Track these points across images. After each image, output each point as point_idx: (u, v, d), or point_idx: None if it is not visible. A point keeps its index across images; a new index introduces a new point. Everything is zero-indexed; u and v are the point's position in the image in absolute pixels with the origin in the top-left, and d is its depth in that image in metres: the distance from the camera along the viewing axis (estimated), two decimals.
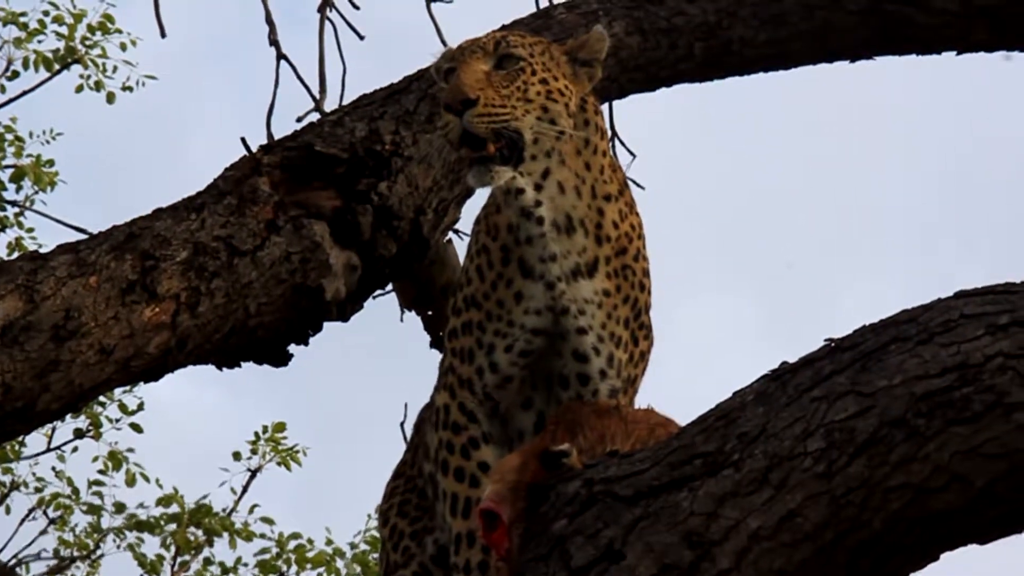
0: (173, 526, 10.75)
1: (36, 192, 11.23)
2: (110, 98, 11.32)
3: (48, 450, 11.05)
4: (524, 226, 4.14)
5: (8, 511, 11.06)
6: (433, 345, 5.22)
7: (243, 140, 4.97)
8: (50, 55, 11.29)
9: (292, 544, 11.05)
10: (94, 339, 4.53)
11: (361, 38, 6.02)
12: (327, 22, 5.97)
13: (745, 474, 3.52)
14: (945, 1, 5.41)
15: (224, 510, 10.99)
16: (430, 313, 5.26)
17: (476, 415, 4.22)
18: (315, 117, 5.32)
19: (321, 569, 11.09)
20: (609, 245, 4.20)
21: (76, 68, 11.33)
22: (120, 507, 10.93)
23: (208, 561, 11.00)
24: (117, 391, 10.18)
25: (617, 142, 5.97)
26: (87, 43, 11.31)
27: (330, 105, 5.34)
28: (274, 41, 5.84)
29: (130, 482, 10.94)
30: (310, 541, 11.09)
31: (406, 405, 5.24)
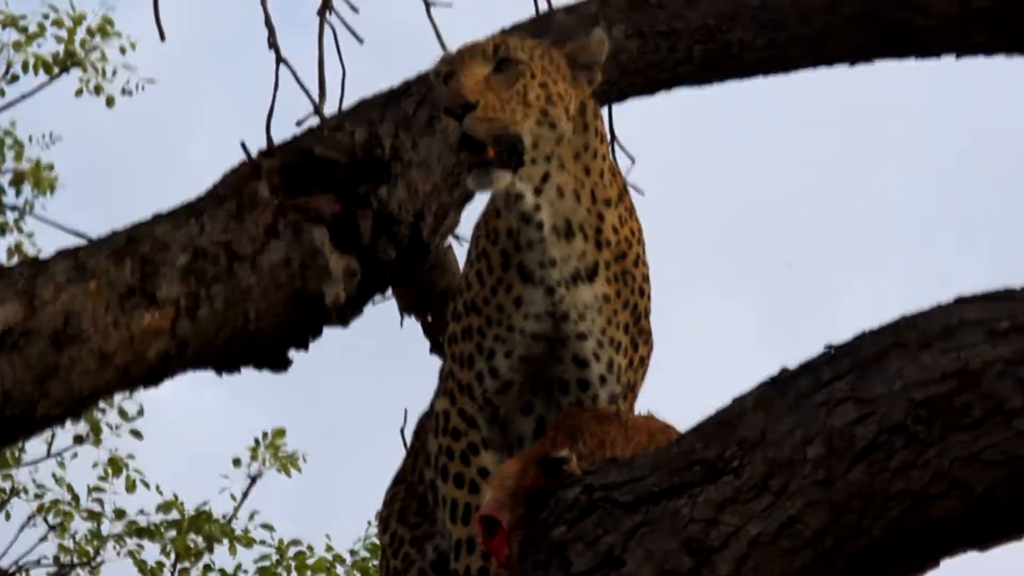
0: (173, 532, 10.75)
1: (36, 196, 11.24)
2: (110, 102, 11.34)
3: (48, 456, 11.06)
4: (524, 231, 4.13)
5: (8, 517, 11.06)
6: (433, 350, 5.22)
7: (243, 144, 4.97)
8: (49, 58, 11.30)
9: (292, 550, 11.04)
10: (94, 345, 4.53)
11: (361, 42, 6.00)
12: (326, 25, 5.95)
13: (745, 480, 3.52)
14: (944, 5, 5.41)
15: (224, 516, 10.99)
16: (430, 318, 5.25)
17: (476, 420, 4.21)
18: (315, 120, 5.31)
19: (321, 575, 11.08)
20: (609, 250, 4.19)
21: (75, 71, 11.35)
22: (120, 513, 10.93)
23: (208, 567, 10.99)
24: (117, 397, 10.18)
25: (616, 146, 5.97)
26: (87, 46, 11.32)
27: (329, 109, 5.32)
28: (273, 44, 5.82)
29: (130, 488, 10.95)
30: (310, 547, 11.09)
31: (406, 411, 5.24)
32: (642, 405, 4.30)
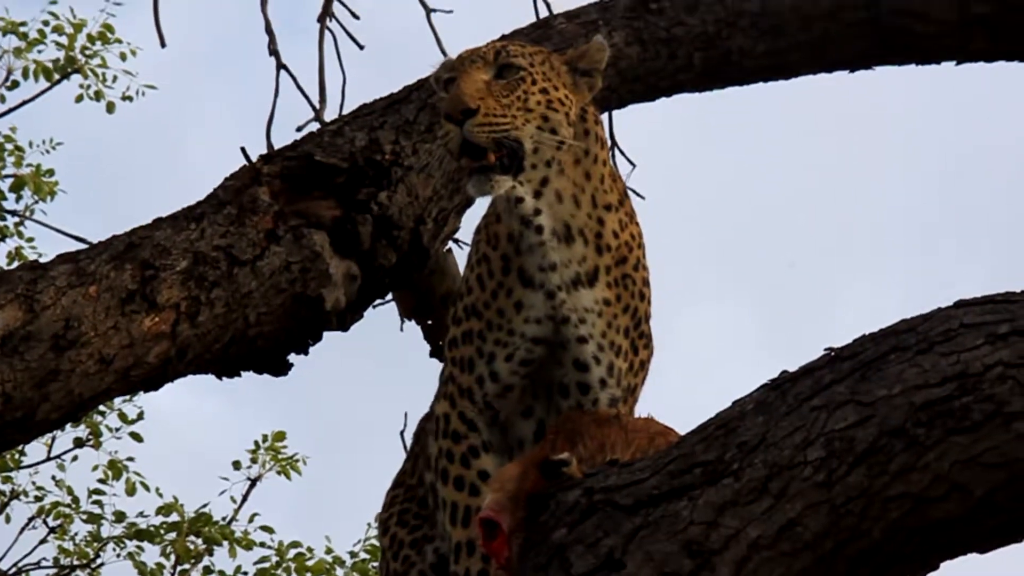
0: (173, 535, 10.74)
1: (36, 202, 11.22)
2: (110, 108, 11.33)
3: (48, 459, 11.04)
4: (524, 235, 4.14)
5: (8, 520, 11.05)
6: (433, 354, 5.22)
7: (243, 150, 4.99)
8: (50, 65, 11.29)
9: (292, 553, 11.03)
10: (94, 349, 4.53)
11: (361, 48, 6.03)
12: (327, 32, 5.97)
13: (745, 483, 3.53)
14: (943, 11, 5.41)
15: (224, 519, 10.98)
16: (430, 322, 5.26)
17: (476, 424, 4.22)
18: (315, 126, 5.33)
19: None
20: (609, 254, 4.20)
21: (76, 78, 11.33)
22: (120, 516, 10.91)
23: (208, 570, 10.97)
24: (117, 400, 10.18)
25: (617, 152, 5.98)
26: (87, 53, 11.32)
27: (330, 115, 5.35)
28: (274, 51, 5.85)
29: (130, 491, 10.93)
30: (310, 550, 11.07)
31: (406, 414, 5.25)
32: (642, 409, 4.31)
